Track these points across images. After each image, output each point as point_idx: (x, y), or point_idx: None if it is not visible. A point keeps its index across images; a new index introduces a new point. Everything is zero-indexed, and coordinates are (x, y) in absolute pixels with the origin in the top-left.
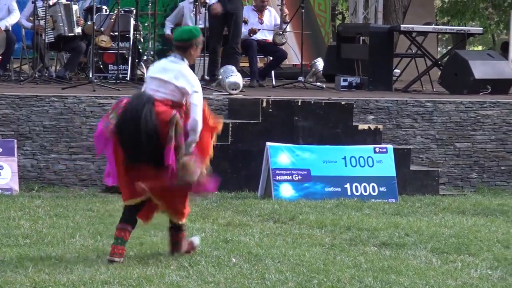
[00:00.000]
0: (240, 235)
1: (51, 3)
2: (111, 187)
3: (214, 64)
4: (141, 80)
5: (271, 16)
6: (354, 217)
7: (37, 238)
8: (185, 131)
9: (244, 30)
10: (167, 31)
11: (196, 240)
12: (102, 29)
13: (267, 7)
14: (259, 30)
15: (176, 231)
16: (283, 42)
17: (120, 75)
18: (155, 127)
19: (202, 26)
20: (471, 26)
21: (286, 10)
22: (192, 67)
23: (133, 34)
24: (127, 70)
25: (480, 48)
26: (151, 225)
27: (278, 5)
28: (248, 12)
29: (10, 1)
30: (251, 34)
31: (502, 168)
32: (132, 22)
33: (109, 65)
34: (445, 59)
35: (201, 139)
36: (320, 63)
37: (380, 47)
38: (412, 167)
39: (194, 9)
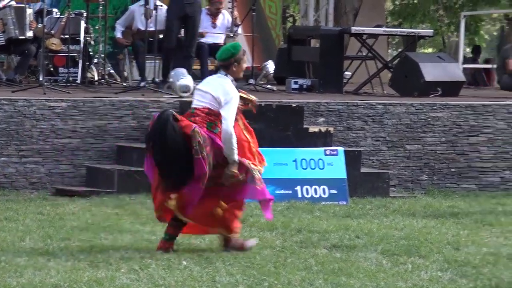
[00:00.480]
0: (191, 238)
1: (1, 5)
2: (61, 190)
3: (166, 67)
4: (91, 83)
5: (225, 19)
6: (305, 219)
7: None
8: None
9: None
10: (118, 34)
11: (251, 242)
12: (52, 32)
13: (222, 11)
14: (206, 33)
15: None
16: None
17: (71, 78)
18: (183, 141)
19: (153, 28)
20: (422, 29)
21: (236, 13)
22: (143, 69)
23: (84, 37)
24: (77, 73)
25: (430, 50)
26: (101, 227)
27: (229, 8)
28: (201, 15)
29: None
30: (199, 38)
31: (452, 170)
32: (83, 25)
33: (60, 68)
34: (396, 61)
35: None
36: (271, 66)
37: (331, 49)
38: (363, 170)
39: (144, 12)
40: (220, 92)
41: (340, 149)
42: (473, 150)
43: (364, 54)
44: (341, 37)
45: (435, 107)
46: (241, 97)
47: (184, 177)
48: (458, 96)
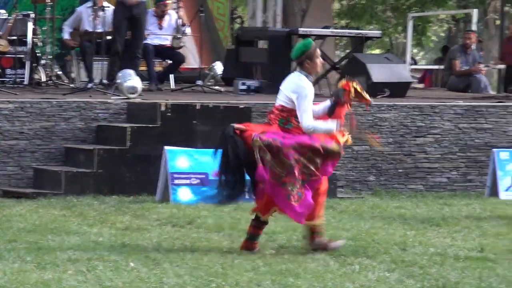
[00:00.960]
0: (138, 240)
1: None
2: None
3: (114, 68)
4: (38, 84)
5: (171, 20)
6: None
7: None
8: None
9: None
10: (65, 35)
11: (337, 243)
12: (0, 33)
13: (169, 11)
14: (148, 35)
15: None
16: (180, 46)
17: (18, 79)
18: (246, 154)
19: (101, 30)
20: (369, 30)
21: (181, 14)
22: (90, 71)
23: (31, 38)
24: (24, 74)
25: (378, 51)
26: (48, 229)
27: (174, 9)
28: (148, 17)
29: None
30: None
31: (400, 171)
32: (30, 26)
33: (7, 69)
34: (343, 62)
35: None
36: (218, 67)
37: (279, 50)
38: None
39: (92, 14)
40: (292, 89)
41: None
42: (420, 151)
43: None
44: (289, 38)
45: (382, 108)
46: (356, 91)
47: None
48: (405, 97)
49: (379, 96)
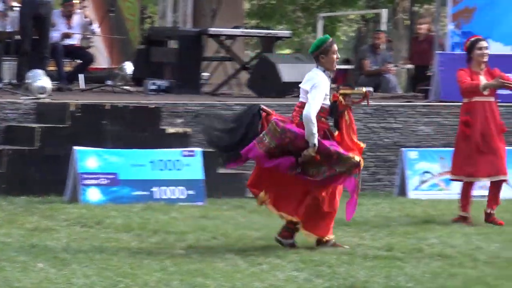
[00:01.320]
0: (47, 240)
1: None
2: None
3: (23, 68)
4: None
5: (80, 20)
6: (162, 220)
7: None
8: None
9: (57, 34)
10: None
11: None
12: None
13: (76, 11)
14: (73, 34)
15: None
16: (89, 45)
17: None
18: (256, 133)
19: (10, 29)
20: (280, 30)
21: (87, 14)
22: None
23: None
24: None
25: (288, 51)
26: None
27: (80, 9)
28: (55, 17)
29: None
30: (65, 39)
31: None
32: None
33: None
34: (254, 62)
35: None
36: (128, 67)
37: (189, 50)
38: (221, 170)
39: (1, 13)
40: (306, 83)
41: (198, 150)
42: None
43: (222, 55)
44: (199, 38)
45: (292, 108)
46: (346, 94)
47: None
48: None
49: (289, 96)
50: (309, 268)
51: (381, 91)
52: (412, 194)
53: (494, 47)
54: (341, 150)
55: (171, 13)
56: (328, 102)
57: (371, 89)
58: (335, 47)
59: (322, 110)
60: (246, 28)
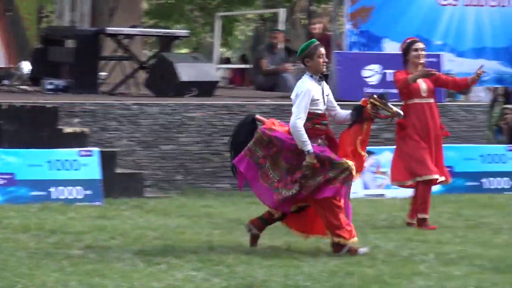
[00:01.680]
0: None
1: None
2: None
3: None
4: None
5: None
6: (59, 220)
7: None
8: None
9: None
10: None
11: (362, 250)
12: None
13: None
14: None
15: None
16: None
17: None
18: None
19: None
20: (178, 29)
21: None
22: None
23: None
24: None
25: (186, 50)
26: None
27: None
28: None
29: None
30: None
31: (206, 170)
32: None
33: None
34: (151, 61)
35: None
36: (26, 66)
37: (86, 50)
38: (118, 170)
39: None
40: (293, 93)
41: (95, 149)
42: (228, 149)
43: (120, 54)
44: (97, 38)
45: (190, 107)
46: (375, 105)
47: None
48: (212, 96)
49: (187, 96)
50: (207, 268)
51: (279, 91)
52: None
53: (391, 47)
54: (333, 155)
55: (68, 12)
56: (321, 108)
57: (401, 113)
58: (321, 50)
59: (315, 117)
60: (144, 28)
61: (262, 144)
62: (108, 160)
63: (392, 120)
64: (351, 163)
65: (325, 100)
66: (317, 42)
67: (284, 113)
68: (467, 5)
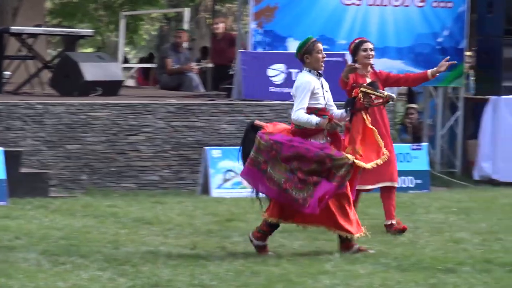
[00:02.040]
0: None
1: None
2: None
3: None
4: None
5: None
6: None
7: None
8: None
9: None
10: None
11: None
12: None
13: None
14: None
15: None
16: None
17: None
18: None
19: None
20: (82, 28)
21: None
22: None
23: None
24: None
25: (90, 50)
26: None
27: None
28: None
29: None
30: None
31: (112, 169)
32: None
33: None
34: (56, 61)
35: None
36: None
37: None
38: (23, 170)
39: None
40: (292, 89)
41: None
42: (133, 149)
43: (24, 53)
44: (0, 37)
45: (95, 107)
46: (367, 93)
47: None
48: (117, 96)
49: (92, 95)
50: (113, 267)
51: (184, 90)
52: (215, 192)
53: (295, 46)
54: (332, 151)
55: None
56: (322, 102)
57: (394, 95)
58: (319, 46)
59: (316, 111)
60: (48, 27)
61: (261, 150)
62: (12, 160)
63: (386, 104)
64: (351, 157)
65: (325, 95)
66: (314, 38)
67: (189, 112)
68: (370, 5)
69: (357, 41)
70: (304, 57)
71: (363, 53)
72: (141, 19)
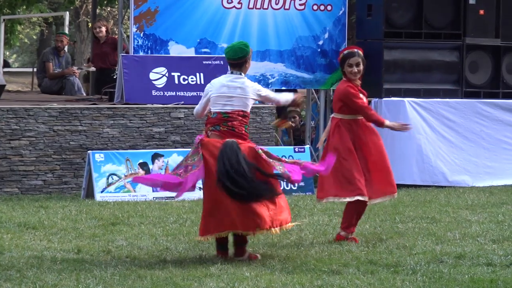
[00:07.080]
0: None
1: None
2: None
3: None
4: None
5: None
6: None
7: None
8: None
9: None
10: None
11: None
12: None
13: None
14: None
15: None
16: None
17: None
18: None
19: None
20: None
21: None
22: None
23: None
24: None
25: None
26: None
27: None
28: None
29: None
30: None
31: None
32: None
33: None
34: None
35: None
36: None
37: None
38: None
39: None
40: (250, 92)
41: None
42: (15, 153)
43: None
44: None
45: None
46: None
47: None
48: (0, 100)
49: None
50: None
51: (66, 94)
52: (99, 196)
53: (177, 49)
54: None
55: None
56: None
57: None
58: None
59: (245, 116)
60: None
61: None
62: None
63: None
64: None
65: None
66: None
67: (71, 116)
68: (251, 8)
69: (345, 52)
70: (247, 62)
71: (349, 69)
72: (20, 23)
